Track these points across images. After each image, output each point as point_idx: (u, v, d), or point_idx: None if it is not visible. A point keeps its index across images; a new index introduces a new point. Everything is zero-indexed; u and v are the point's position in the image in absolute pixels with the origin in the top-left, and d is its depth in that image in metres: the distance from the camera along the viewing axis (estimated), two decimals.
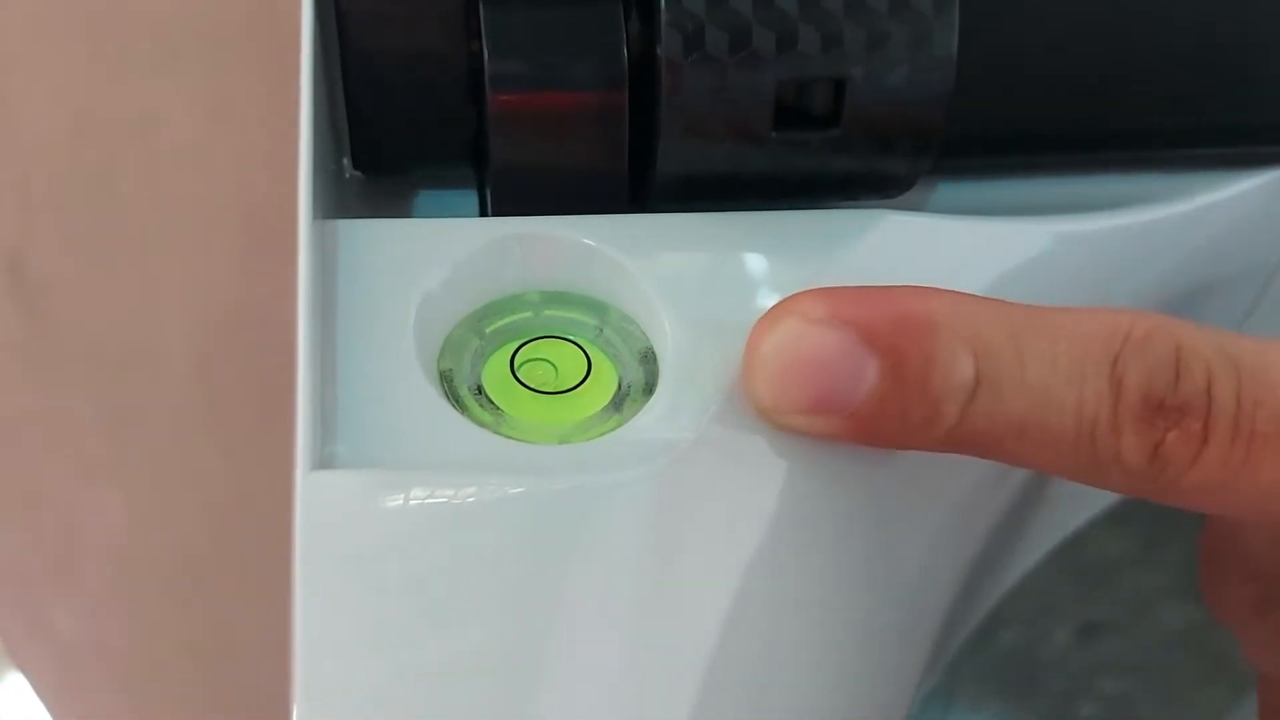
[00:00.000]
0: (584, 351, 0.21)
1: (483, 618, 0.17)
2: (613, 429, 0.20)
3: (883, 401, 0.19)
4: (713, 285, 0.21)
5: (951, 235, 0.22)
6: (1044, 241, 0.23)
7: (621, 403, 0.21)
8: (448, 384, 0.20)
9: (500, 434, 0.19)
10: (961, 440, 0.19)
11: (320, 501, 0.17)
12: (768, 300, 0.21)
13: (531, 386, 0.20)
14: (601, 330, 0.21)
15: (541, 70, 0.21)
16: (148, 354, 0.39)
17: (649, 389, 0.20)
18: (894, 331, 0.19)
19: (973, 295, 0.19)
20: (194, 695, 0.41)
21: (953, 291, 0.19)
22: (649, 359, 0.21)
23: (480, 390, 0.20)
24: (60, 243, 0.37)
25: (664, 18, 0.20)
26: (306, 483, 0.17)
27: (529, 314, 0.22)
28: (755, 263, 0.21)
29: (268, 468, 0.25)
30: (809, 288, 0.19)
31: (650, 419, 0.20)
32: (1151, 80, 0.24)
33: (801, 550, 0.20)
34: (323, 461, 0.18)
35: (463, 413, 0.19)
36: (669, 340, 0.20)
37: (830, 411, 0.19)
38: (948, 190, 0.23)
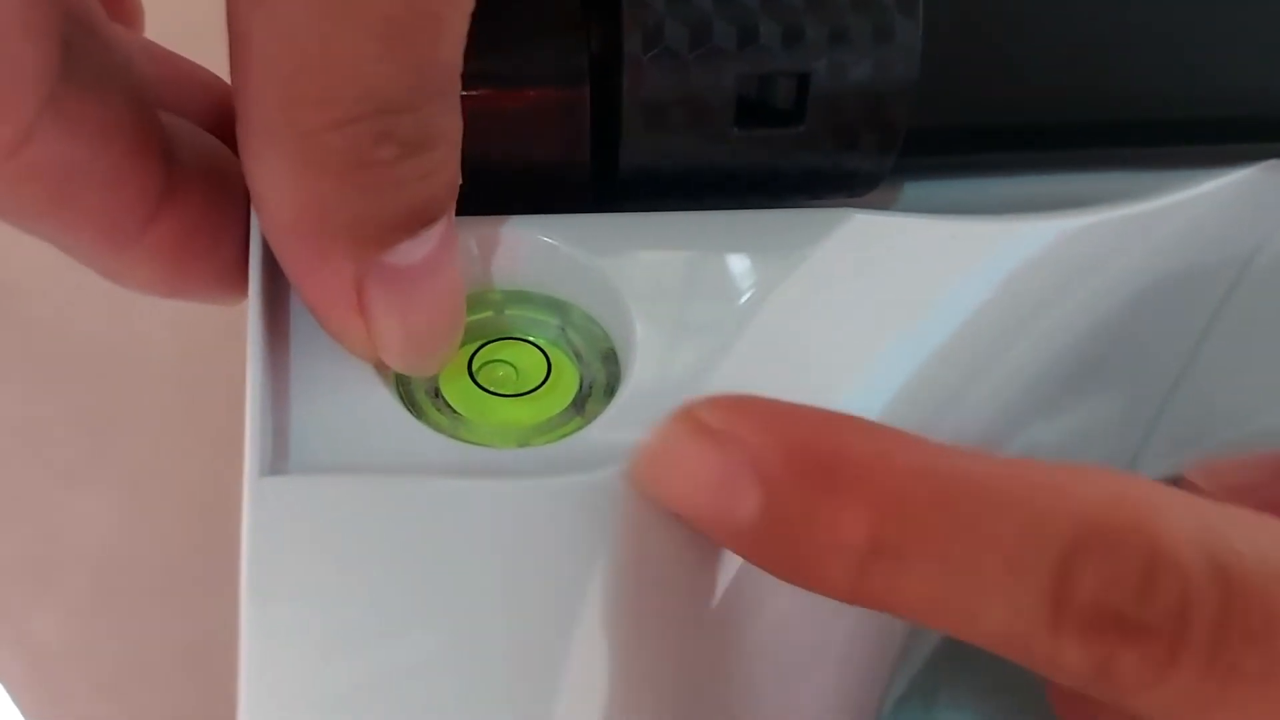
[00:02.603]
0: (544, 353, 0.21)
1: (436, 623, 0.17)
2: (574, 431, 0.19)
3: (764, 541, 0.16)
4: (676, 285, 0.21)
5: (916, 233, 0.22)
6: (1010, 239, 0.22)
7: (583, 404, 0.20)
8: (404, 388, 0.20)
9: (458, 438, 0.19)
10: (866, 602, 0.16)
11: (270, 507, 0.17)
12: (730, 300, 0.20)
13: (490, 389, 0.20)
14: (564, 330, 0.21)
15: (503, 67, 0.21)
16: (125, 358, 0.39)
17: (610, 390, 0.20)
18: (784, 466, 0.16)
19: (910, 437, 0.16)
20: (175, 702, 0.41)
21: (882, 428, 0.16)
22: (611, 359, 0.21)
23: (437, 393, 0.20)
24: (33, 245, 0.37)
25: (625, 13, 0.20)
26: (256, 488, 0.17)
27: (490, 313, 0.21)
28: (718, 262, 0.21)
29: None
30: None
31: (612, 420, 0.19)
32: (1118, 77, 0.24)
33: None
34: (274, 467, 0.18)
35: (419, 417, 0.19)
36: (631, 340, 0.20)
37: (705, 528, 0.17)
38: (913, 189, 0.22)
